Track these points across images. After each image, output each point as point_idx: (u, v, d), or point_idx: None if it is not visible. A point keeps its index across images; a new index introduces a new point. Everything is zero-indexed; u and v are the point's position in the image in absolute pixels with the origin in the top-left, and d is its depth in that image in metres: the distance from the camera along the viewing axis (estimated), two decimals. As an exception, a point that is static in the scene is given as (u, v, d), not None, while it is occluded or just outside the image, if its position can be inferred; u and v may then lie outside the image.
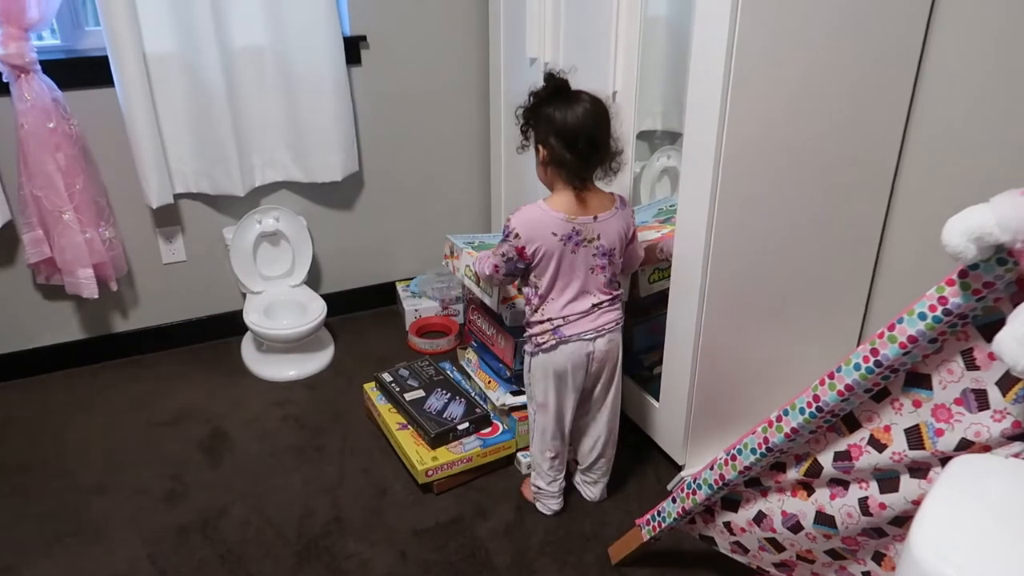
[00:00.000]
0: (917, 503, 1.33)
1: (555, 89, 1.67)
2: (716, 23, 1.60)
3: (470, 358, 2.40)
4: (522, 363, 2.10)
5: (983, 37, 1.75)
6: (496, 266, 1.73)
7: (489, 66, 2.73)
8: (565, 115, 1.62)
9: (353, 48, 2.62)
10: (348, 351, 2.77)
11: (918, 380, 1.30)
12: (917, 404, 1.31)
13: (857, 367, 1.31)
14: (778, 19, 1.62)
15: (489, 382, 2.26)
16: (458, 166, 2.99)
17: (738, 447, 1.55)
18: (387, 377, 2.34)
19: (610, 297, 1.76)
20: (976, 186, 1.82)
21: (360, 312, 3.04)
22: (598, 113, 1.64)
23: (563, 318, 1.73)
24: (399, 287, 3.03)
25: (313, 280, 2.88)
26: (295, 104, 2.55)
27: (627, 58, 1.96)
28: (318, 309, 2.60)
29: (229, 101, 2.45)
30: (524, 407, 2.15)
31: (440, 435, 2.09)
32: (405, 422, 2.20)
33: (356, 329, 2.92)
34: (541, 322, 1.75)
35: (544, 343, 1.75)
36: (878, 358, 1.28)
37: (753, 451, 1.51)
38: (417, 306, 2.89)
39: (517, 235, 1.67)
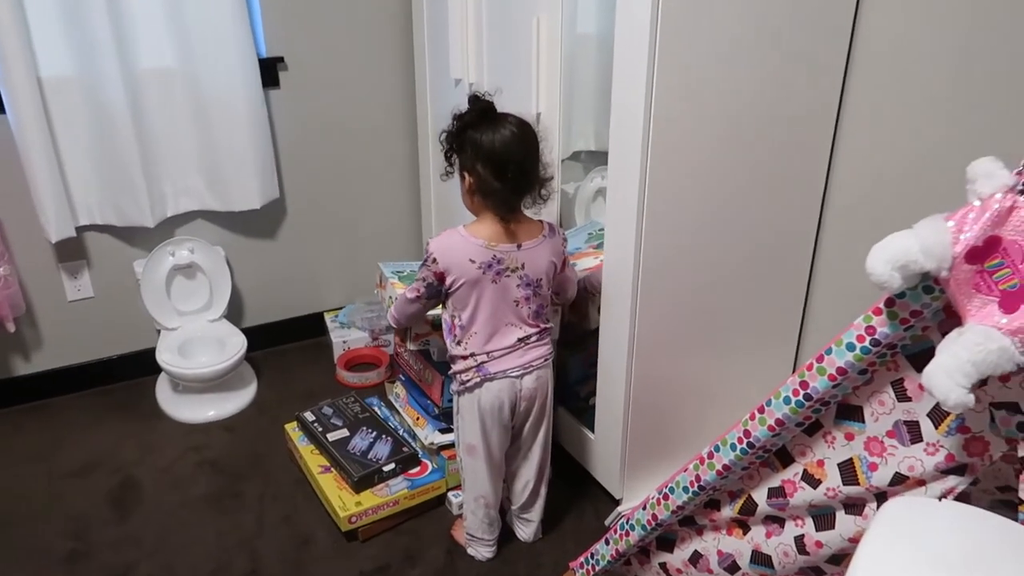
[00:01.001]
0: (854, 540, 1.27)
1: (480, 112, 1.59)
2: (636, 42, 1.54)
3: (398, 392, 2.28)
4: (450, 400, 2.01)
5: (911, 27, 1.71)
6: (417, 292, 1.64)
7: (415, 87, 2.64)
8: (493, 140, 1.54)
9: (270, 70, 2.51)
10: (272, 388, 2.63)
11: (850, 412, 1.24)
12: (850, 437, 1.25)
13: (787, 400, 1.25)
14: (695, 31, 1.57)
15: (417, 419, 2.15)
16: (386, 190, 2.89)
17: (670, 485, 1.47)
18: (309, 416, 2.21)
19: (538, 331, 1.67)
20: (905, 197, 1.80)
21: (286, 345, 2.90)
22: (526, 138, 1.56)
23: (487, 354, 1.63)
24: (327, 318, 2.90)
25: (235, 313, 2.73)
26: (208, 129, 2.42)
27: (549, 78, 1.89)
28: (237, 344, 2.45)
29: (135, 126, 2.30)
30: (453, 445, 2.05)
31: (364, 478, 1.97)
32: (328, 464, 2.07)
33: (281, 364, 2.78)
34: (464, 357, 1.65)
35: (468, 381, 1.65)
36: (808, 391, 1.22)
37: (685, 489, 1.44)
38: (345, 337, 2.77)
39: (435, 260, 1.58)
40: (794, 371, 1.63)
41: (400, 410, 2.24)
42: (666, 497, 1.48)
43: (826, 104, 1.85)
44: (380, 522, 1.96)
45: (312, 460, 2.10)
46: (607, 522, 2.00)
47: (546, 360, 1.70)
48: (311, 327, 2.93)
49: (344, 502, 1.94)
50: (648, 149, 1.59)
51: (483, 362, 1.64)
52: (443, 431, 2.06)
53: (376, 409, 2.27)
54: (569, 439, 2.14)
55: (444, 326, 1.68)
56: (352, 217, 2.86)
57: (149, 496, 2.12)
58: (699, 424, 2.05)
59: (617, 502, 2.03)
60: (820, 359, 1.19)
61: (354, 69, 2.66)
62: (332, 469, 2.05)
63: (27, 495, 2.13)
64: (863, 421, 1.23)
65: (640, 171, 1.61)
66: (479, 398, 1.66)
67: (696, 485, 1.41)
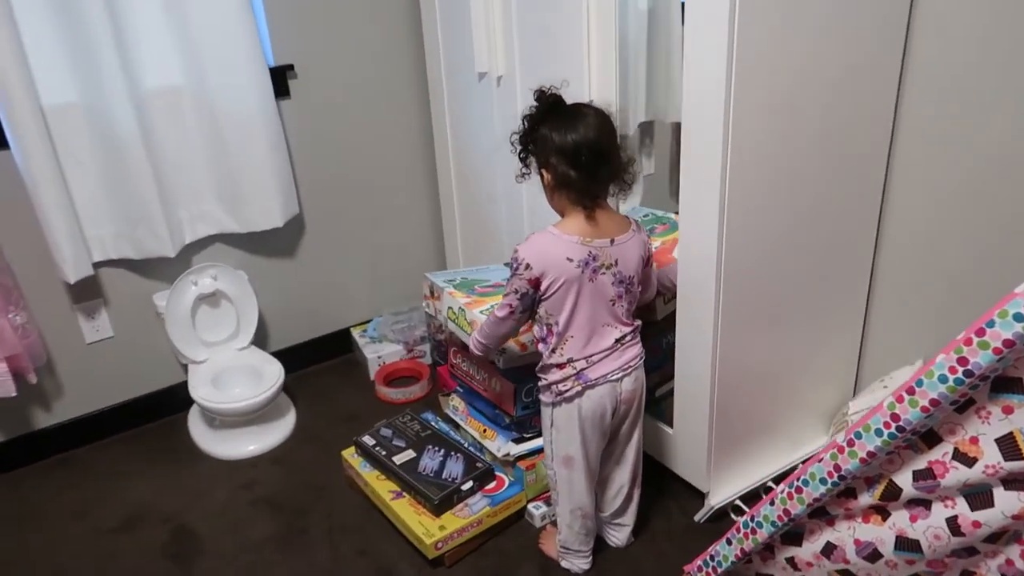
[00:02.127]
0: (1018, 517, 1.22)
1: (550, 107, 1.50)
2: (714, 22, 1.46)
3: (456, 405, 2.18)
4: (524, 408, 1.92)
5: (964, 35, 1.69)
6: (510, 307, 1.54)
7: (428, 85, 2.53)
8: (564, 132, 1.46)
9: (280, 79, 2.37)
10: (311, 413, 2.50)
11: (1008, 385, 1.18)
12: (1008, 410, 1.19)
13: (943, 379, 1.18)
14: (778, 17, 1.49)
15: (485, 431, 2.05)
16: (404, 196, 2.77)
17: (803, 478, 1.40)
18: (368, 440, 2.09)
19: (631, 329, 1.59)
20: (962, 188, 1.76)
21: (315, 366, 2.77)
22: (601, 123, 1.48)
23: (586, 359, 1.54)
24: (355, 333, 2.77)
25: (259, 338, 2.59)
26: (222, 147, 2.28)
27: (604, 61, 1.81)
28: (275, 373, 2.32)
29: (147, 151, 2.15)
30: (530, 455, 1.96)
31: (444, 499, 1.87)
32: (399, 489, 1.97)
33: (315, 386, 2.65)
34: (561, 366, 1.56)
35: (567, 391, 1.56)
36: (968, 367, 1.15)
37: (823, 481, 1.37)
38: (379, 352, 2.65)
39: (528, 266, 1.48)
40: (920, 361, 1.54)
41: (462, 424, 2.14)
42: (799, 491, 1.41)
43: (885, 104, 1.81)
44: (463, 545, 1.87)
45: (380, 486, 1.98)
46: (698, 518, 1.93)
47: (641, 359, 1.61)
48: (339, 345, 2.80)
49: (427, 528, 1.83)
50: (729, 131, 1.52)
51: (583, 368, 1.55)
52: (517, 440, 1.97)
53: (435, 425, 2.16)
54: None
55: (536, 334, 1.59)
56: (371, 227, 2.74)
57: (209, 544, 1.99)
58: (779, 407, 1.99)
59: (703, 496, 1.96)
60: (981, 332, 1.13)
61: (364, 71, 2.54)
62: (405, 494, 1.95)
63: (76, 558, 1.98)
64: (1024, 392, 1.17)
65: (722, 155, 1.54)
66: (579, 407, 1.57)
67: (836, 475, 1.35)
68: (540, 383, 1.63)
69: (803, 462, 2.03)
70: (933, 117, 1.79)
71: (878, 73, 1.76)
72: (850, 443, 1.32)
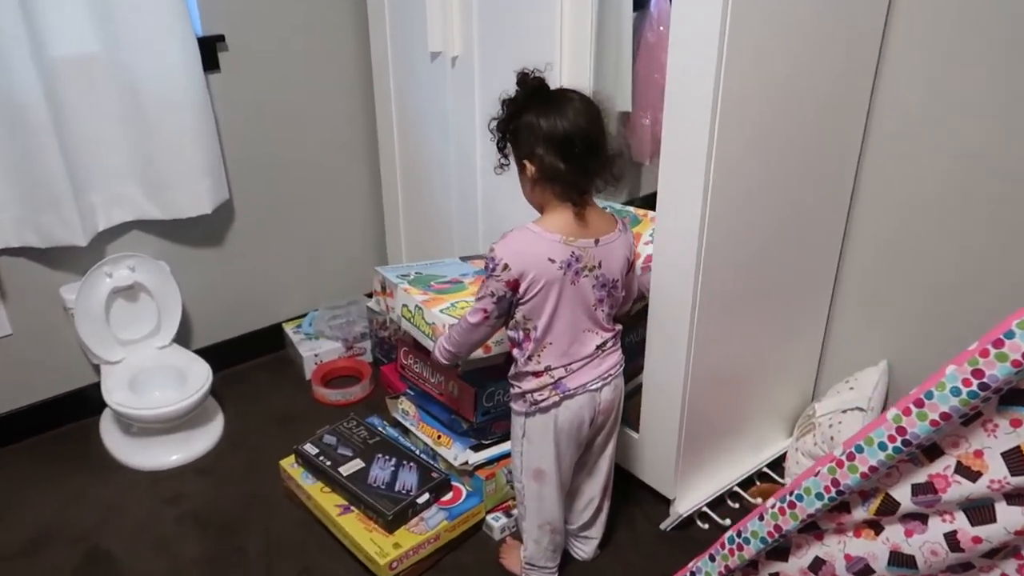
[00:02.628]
0: (1021, 533, 1.18)
1: (533, 91, 1.37)
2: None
3: (406, 409, 2.03)
4: (485, 414, 1.79)
5: (935, 45, 1.66)
6: (485, 312, 1.40)
7: (372, 64, 2.34)
8: (553, 119, 1.33)
9: (209, 51, 2.14)
10: (241, 416, 2.30)
11: (1018, 397, 1.13)
12: (1016, 423, 1.14)
13: (956, 392, 1.12)
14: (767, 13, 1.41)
15: (439, 437, 1.91)
16: (345, 183, 2.58)
17: (797, 492, 1.33)
18: (310, 449, 1.92)
19: (612, 335, 1.48)
20: (927, 193, 1.74)
21: (243, 364, 2.56)
22: (590, 110, 1.36)
23: (565, 367, 1.43)
24: (288, 329, 2.57)
25: (182, 335, 2.36)
26: (143, 124, 2.04)
27: (577, 41, 1.68)
28: (202, 374, 2.11)
29: (54, 127, 1.90)
30: (489, 464, 1.83)
31: (398, 514, 1.72)
32: (347, 503, 1.81)
33: (244, 386, 2.44)
34: (537, 374, 1.43)
35: (543, 400, 1.44)
36: (984, 380, 1.10)
37: (819, 496, 1.30)
38: (316, 350, 2.46)
39: (506, 266, 1.35)
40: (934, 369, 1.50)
41: (413, 429, 1.99)
42: (792, 505, 1.33)
43: (858, 110, 1.77)
44: (420, 563, 1.73)
45: (325, 500, 1.82)
46: (664, 526, 1.86)
47: (621, 366, 1.51)
48: (270, 341, 2.59)
49: (380, 546, 1.68)
50: (715, 137, 1.43)
51: (561, 377, 1.43)
52: (476, 448, 1.84)
53: (383, 430, 2.01)
54: (605, 440, 1.97)
55: (511, 338, 1.46)
56: (307, 215, 2.54)
57: (128, 568, 1.78)
58: (749, 407, 1.94)
59: (667, 503, 1.89)
60: (999, 344, 1.07)
61: (303, 45, 2.33)
62: (353, 508, 1.79)
63: (-31, 587, 1.73)
64: (1034, 405, 1.12)
65: (705, 164, 1.45)
66: (555, 418, 1.46)
67: (834, 490, 1.28)
68: (512, 391, 1.50)
69: (767, 465, 2.01)
70: (901, 125, 1.77)
71: (852, 80, 1.72)
72: (850, 457, 1.25)
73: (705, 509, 1.88)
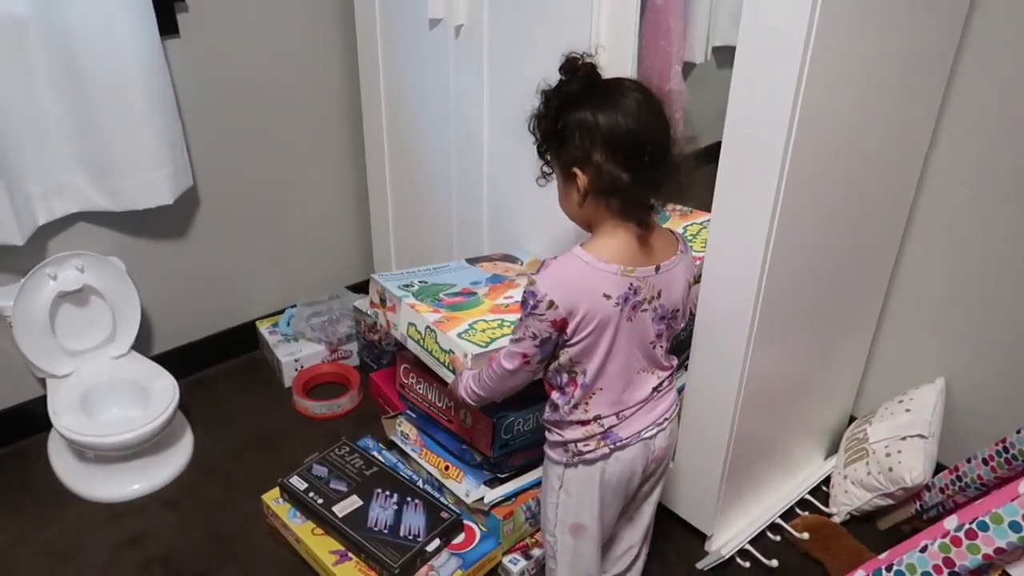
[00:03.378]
0: None
1: (586, 80, 1.10)
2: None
3: (406, 433, 1.78)
4: (503, 447, 1.56)
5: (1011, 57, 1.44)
6: (525, 357, 1.15)
7: (357, 29, 2.03)
8: (614, 117, 1.06)
9: (166, 12, 1.81)
10: (213, 435, 2.02)
11: None
12: None
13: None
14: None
15: (447, 468, 1.67)
16: (324, 165, 2.28)
17: (896, 569, 1.13)
18: (298, 484, 1.67)
19: (669, 374, 1.25)
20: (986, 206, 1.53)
21: (212, 369, 2.27)
22: (655, 106, 1.10)
23: (617, 414, 1.19)
24: (262, 328, 2.29)
25: (141, 339, 2.06)
26: (87, 101, 1.72)
27: (618, 12, 1.41)
28: (167, 391, 1.83)
29: (-21, 104, 1.57)
30: (507, 500, 1.61)
31: (406, 565, 1.49)
32: (343, 549, 1.57)
33: (214, 397, 2.17)
34: (584, 423, 1.19)
35: (589, 452, 1.21)
36: None
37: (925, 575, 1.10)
38: (296, 353, 2.19)
39: (552, 304, 1.09)
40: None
41: (415, 456, 1.75)
42: (893, 586, 1.13)
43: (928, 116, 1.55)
44: (430, 618, 1.51)
45: (318, 545, 1.58)
46: (702, 566, 1.66)
47: (676, 408, 1.28)
48: (241, 341, 2.31)
49: (386, 605, 1.45)
50: (788, 159, 1.20)
51: (612, 426, 1.19)
52: (491, 483, 1.61)
53: (379, 457, 1.76)
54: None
55: (552, 381, 1.21)
56: (283, 200, 2.24)
57: (86, 629, 1.53)
58: (783, 434, 1.74)
59: (703, 538, 1.69)
60: None
61: (276, 5, 2.01)
62: (351, 555, 1.55)
63: None
64: None
65: (777, 183, 1.23)
66: (603, 471, 1.22)
67: (947, 571, 1.08)
68: (550, 436, 1.26)
69: (808, 492, 1.83)
70: (969, 134, 1.57)
71: (925, 84, 1.50)
72: (970, 534, 1.05)
73: (747, 546, 1.68)
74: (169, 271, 2.09)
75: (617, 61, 1.42)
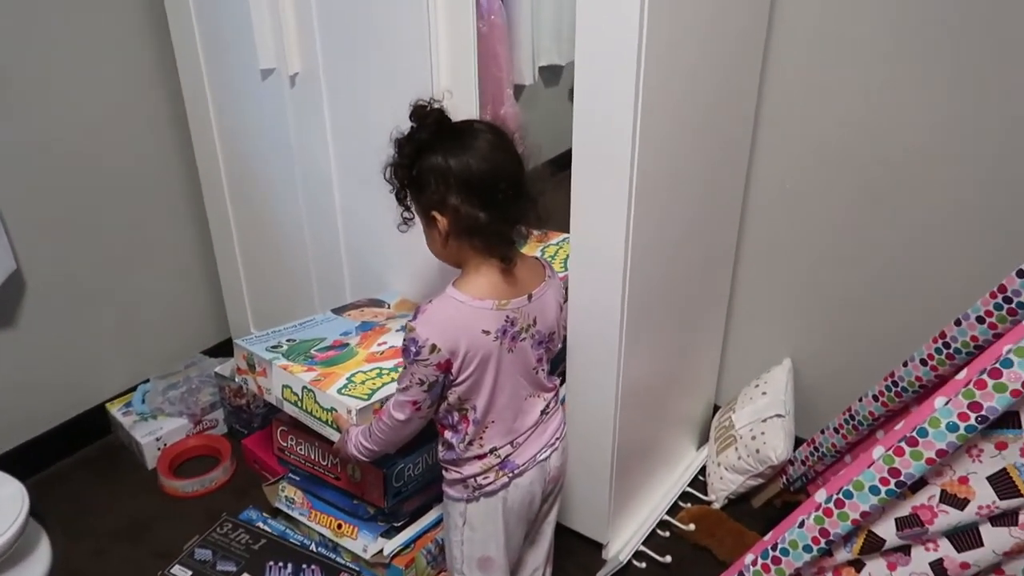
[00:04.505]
0: (1010, 554, 1.14)
1: (436, 126, 1.12)
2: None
3: (291, 497, 1.72)
4: (396, 495, 1.54)
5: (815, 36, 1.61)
6: (415, 404, 1.14)
7: (183, 87, 1.95)
8: (465, 161, 1.09)
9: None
10: (73, 534, 1.85)
11: (1004, 420, 1.08)
12: (1002, 446, 1.09)
13: (953, 427, 1.05)
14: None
15: (340, 526, 1.63)
16: (162, 226, 2.16)
17: (781, 547, 1.22)
18: (181, 572, 1.57)
19: (554, 394, 1.29)
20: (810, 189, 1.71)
21: (62, 463, 2.08)
22: (505, 143, 1.14)
23: (511, 443, 1.22)
24: (114, 410, 2.13)
25: (-27, 444, 1.86)
26: None
27: (458, 39, 1.44)
28: (13, 500, 1.64)
29: None
30: (407, 548, 1.59)
31: (312, 639, 1.44)
32: (241, 634, 1.49)
33: (68, 491, 1.98)
34: (481, 456, 1.21)
35: (488, 484, 1.22)
36: (982, 413, 1.03)
37: (807, 548, 1.20)
38: (156, 431, 2.05)
39: (435, 348, 1.10)
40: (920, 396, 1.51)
41: (303, 520, 1.69)
42: (777, 561, 1.23)
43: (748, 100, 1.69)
44: None
45: (212, 634, 1.49)
46: (602, 575, 1.71)
47: (564, 426, 1.32)
48: (92, 428, 2.13)
49: None
50: (636, 152, 1.28)
51: (508, 455, 1.21)
52: (386, 533, 1.59)
53: (265, 527, 1.69)
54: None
55: (446, 424, 1.22)
56: (121, 272, 2.10)
57: None
58: (657, 430, 1.83)
59: (600, 548, 1.75)
60: (996, 374, 1.01)
61: (94, 72, 1.89)
62: (251, 639, 1.48)
63: None
64: (1019, 427, 1.08)
65: (628, 182, 1.30)
66: (504, 500, 1.24)
67: (823, 541, 1.18)
68: (448, 475, 1.27)
69: (688, 484, 1.93)
70: (784, 116, 1.73)
71: (746, 66, 1.64)
72: (838, 504, 1.16)
73: (641, 547, 1.76)
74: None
75: (464, 102, 1.45)
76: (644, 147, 1.29)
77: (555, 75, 2.46)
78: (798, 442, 1.83)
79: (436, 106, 1.15)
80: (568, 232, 1.44)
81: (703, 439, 2.05)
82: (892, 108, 1.60)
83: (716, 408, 2.08)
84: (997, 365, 1.01)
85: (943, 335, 1.45)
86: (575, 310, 1.48)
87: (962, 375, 1.06)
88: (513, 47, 2.30)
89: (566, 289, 1.46)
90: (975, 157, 1.55)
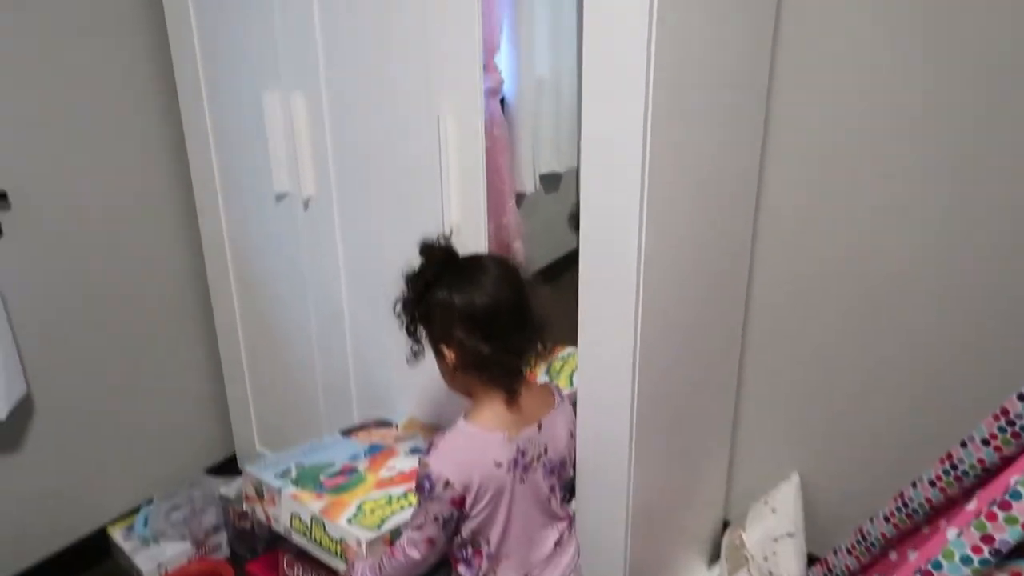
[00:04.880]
0: None
1: (442, 263, 1.18)
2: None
3: (297, 627, 1.67)
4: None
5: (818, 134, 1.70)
6: (431, 542, 1.15)
7: (198, 209, 2.03)
8: (470, 295, 1.14)
9: (-12, 216, 1.73)
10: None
11: (1018, 550, 1.08)
12: (1017, 577, 1.10)
13: (967, 560, 1.05)
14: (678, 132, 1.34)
15: (346, 660, 1.58)
16: (170, 346, 2.19)
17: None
18: None
19: (568, 523, 1.29)
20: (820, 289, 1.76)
21: (59, 590, 2.03)
22: (510, 277, 1.19)
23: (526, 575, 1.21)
24: (115, 534, 2.09)
25: (-30, 573, 1.83)
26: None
27: (467, 178, 1.51)
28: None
29: None
30: None
31: None
32: None
33: (64, 622, 1.93)
34: (493, 592, 1.20)
35: (501, 619, 1.21)
36: (994, 545, 1.04)
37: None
38: (158, 557, 2.01)
39: (448, 483, 1.11)
40: None
41: (310, 652, 1.64)
42: None
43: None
44: None
45: None
46: None
47: (578, 557, 1.31)
48: (91, 553, 2.09)
49: None
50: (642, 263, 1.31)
51: (521, 588, 1.21)
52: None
53: (269, 661, 1.64)
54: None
55: (460, 558, 1.21)
56: (128, 392, 2.11)
57: None
58: (665, 550, 1.80)
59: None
60: (1006, 506, 1.02)
61: (109, 196, 1.96)
62: None
63: None
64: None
65: (635, 293, 1.33)
66: (515, 635, 1.22)
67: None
68: (458, 615, 1.25)
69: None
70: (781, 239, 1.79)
71: (743, 191, 1.71)
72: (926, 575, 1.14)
73: None
74: (2, 488, 1.88)
75: (473, 236, 1.50)
76: (650, 257, 1.32)
77: (555, 182, 2.55)
78: (811, 558, 1.80)
79: (444, 243, 1.20)
80: (571, 345, 1.47)
81: (714, 556, 2.02)
82: (892, 225, 1.65)
83: (726, 524, 2.06)
84: (1007, 497, 1.02)
85: (950, 456, 1.45)
86: (584, 428, 1.48)
87: (972, 505, 1.07)
88: (514, 157, 2.40)
89: (574, 406, 1.47)
90: (971, 276, 1.60)
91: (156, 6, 1.88)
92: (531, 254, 2.34)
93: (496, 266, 1.20)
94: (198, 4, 1.79)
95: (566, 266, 1.97)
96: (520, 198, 2.39)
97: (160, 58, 1.95)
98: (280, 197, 1.83)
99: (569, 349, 1.81)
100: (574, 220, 1.88)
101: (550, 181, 2.48)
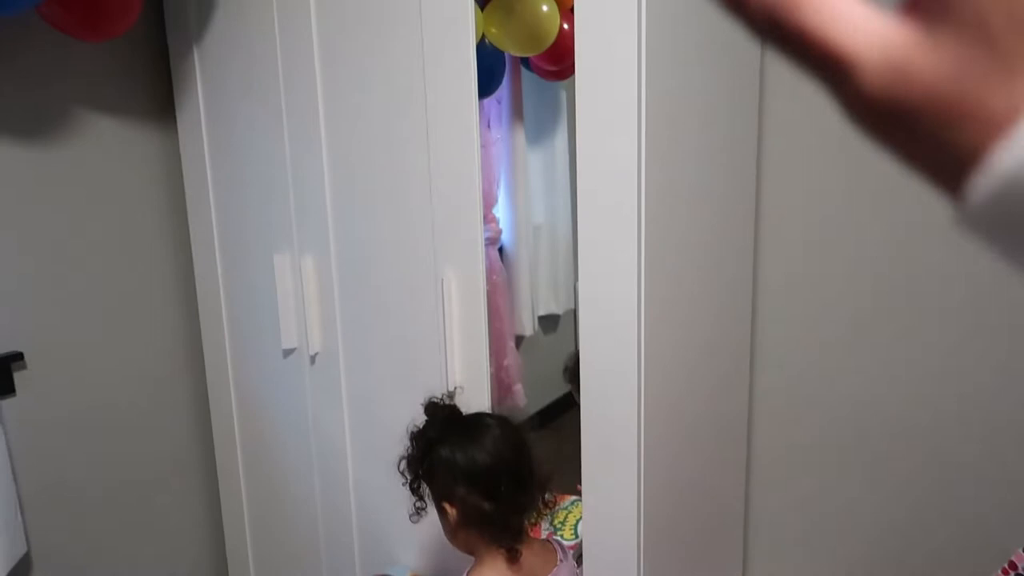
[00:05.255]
0: None
1: (445, 422, 1.21)
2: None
3: None
4: None
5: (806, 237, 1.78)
6: None
7: (206, 366, 2.08)
8: (471, 453, 1.17)
9: (2, 373, 1.77)
10: None
11: None
12: None
13: None
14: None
15: None
16: (173, 501, 2.17)
17: None
18: None
19: None
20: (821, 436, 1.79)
21: None
22: (512, 436, 1.22)
23: None
24: None
25: None
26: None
27: (470, 339, 1.56)
28: None
29: None
30: None
31: None
32: None
33: None
34: None
35: None
36: None
37: None
38: None
39: None
40: None
41: None
42: None
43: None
44: None
45: None
46: None
47: None
48: None
49: None
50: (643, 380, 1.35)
51: None
52: None
53: None
54: None
55: None
56: (125, 549, 2.07)
57: None
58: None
59: None
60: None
61: (123, 356, 2.01)
62: None
63: None
64: None
65: (637, 424, 1.36)
66: None
67: None
68: None
69: None
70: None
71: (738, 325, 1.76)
72: None
73: None
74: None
75: (476, 395, 1.54)
76: (649, 404, 1.36)
77: (553, 323, 2.62)
78: None
79: (448, 402, 1.24)
80: (574, 494, 1.47)
81: None
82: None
83: None
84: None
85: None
86: (592, 563, 1.46)
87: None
88: (513, 301, 2.48)
89: (578, 559, 1.46)
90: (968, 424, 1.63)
91: (175, 174, 2.02)
92: (531, 394, 2.39)
93: (498, 425, 1.23)
94: (215, 174, 1.91)
95: (566, 405, 2.01)
96: (519, 340, 2.45)
97: (176, 221, 2.06)
98: (288, 352, 1.89)
99: (572, 498, 1.81)
100: (568, 373, 1.93)
101: (549, 323, 2.55)
